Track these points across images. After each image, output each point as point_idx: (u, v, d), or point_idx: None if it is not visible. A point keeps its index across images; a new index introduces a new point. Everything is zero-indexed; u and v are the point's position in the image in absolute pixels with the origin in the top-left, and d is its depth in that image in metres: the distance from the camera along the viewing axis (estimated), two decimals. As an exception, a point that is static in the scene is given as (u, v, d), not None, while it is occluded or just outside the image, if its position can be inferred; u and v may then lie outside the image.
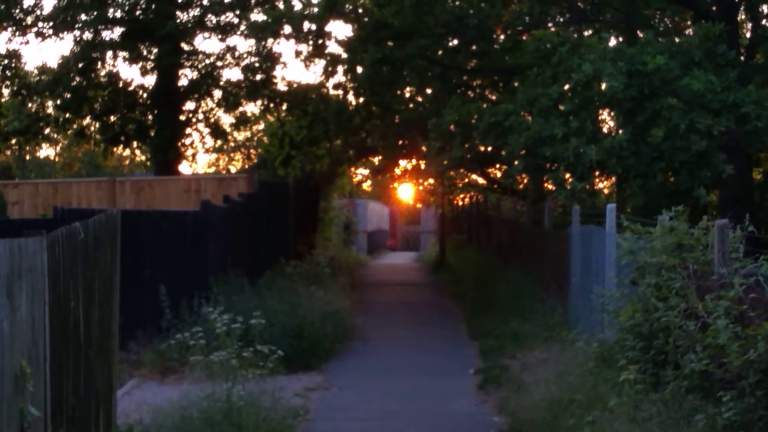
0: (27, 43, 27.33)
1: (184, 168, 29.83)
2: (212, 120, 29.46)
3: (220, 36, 27.84)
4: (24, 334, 6.37)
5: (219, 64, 28.21)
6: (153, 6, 26.61)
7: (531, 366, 12.98)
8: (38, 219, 17.24)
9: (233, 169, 47.06)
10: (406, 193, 49.95)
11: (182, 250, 15.64)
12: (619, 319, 9.91)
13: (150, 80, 28.20)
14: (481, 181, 32.71)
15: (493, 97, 25.10)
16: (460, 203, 42.82)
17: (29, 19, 26.80)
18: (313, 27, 24.42)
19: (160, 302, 14.47)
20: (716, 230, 8.99)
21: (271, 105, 29.29)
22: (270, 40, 27.18)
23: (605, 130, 18.69)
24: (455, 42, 23.67)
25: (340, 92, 27.82)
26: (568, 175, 16.54)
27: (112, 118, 28.24)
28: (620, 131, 16.75)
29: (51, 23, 26.45)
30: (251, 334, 11.95)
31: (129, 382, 13.20)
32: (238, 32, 27.71)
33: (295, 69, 68.86)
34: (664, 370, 8.88)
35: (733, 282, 7.91)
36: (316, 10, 23.52)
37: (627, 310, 9.74)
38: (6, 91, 28.60)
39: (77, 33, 26.59)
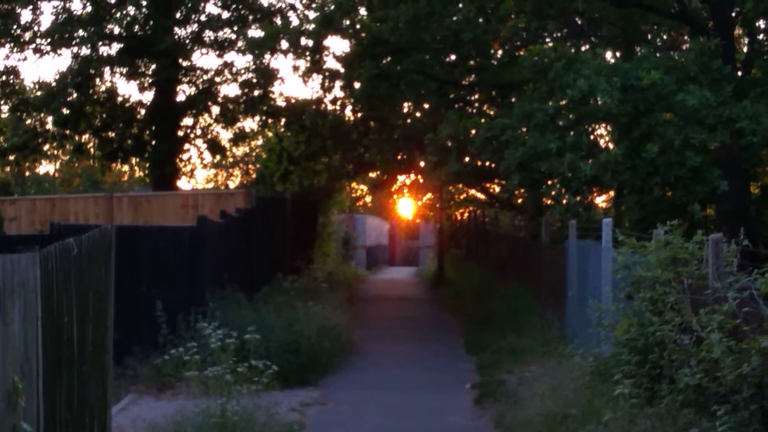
0: (25, 59, 27.42)
1: (183, 184, 29.88)
2: (210, 135, 29.50)
3: (217, 52, 27.91)
4: (16, 350, 6.36)
5: (217, 79, 28.26)
6: (151, 22, 26.67)
7: (527, 380, 12.97)
8: (35, 235, 17.24)
9: (232, 185, 47.05)
10: (405, 208, 49.95)
11: (179, 265, 15.63)
12: (615, 334, 9.92)
13: (148, 96, 28.26)
14: (479, 195, 32.74)
15: (491, 112, 25.15)
16: (459, 218, 42.83)
17: (27, 36, 26.85)
18: (310, 43, 24.52)
19: (157, 318, 14.46)
20: (711, 244, 9.01)
21: (269, 120, 29.34)
22: (267, 56, 27.26)
23: (602, 144, 18.71)
24: (452, 57, 23.73)
25: (338, 107, 27.90)
26: (564, 190, 16.54)
27: (111, 134, 28.26)
28: (615, 146, 16.76)
29: (49, 39, 26.50)
30: (247, 349, 11.95)
31: (125, 398, 13.19)
32: (236, 48, 27.78)
33: (292, 84, 68.81)
34: (659, 384, 8.87)
35: (727, 296, 7.92)
36: (312, 26, 23.60)
37: (622, 325, 9.74)
38: (5, 108, 28.65)
39: (75, 49, 26.64)
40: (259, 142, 36.48)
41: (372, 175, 33.41)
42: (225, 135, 30.31)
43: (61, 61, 73.23)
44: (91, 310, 8.31)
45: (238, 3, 27.62)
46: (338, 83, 26.20)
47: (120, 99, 27.91)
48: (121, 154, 28.47)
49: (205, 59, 63.88)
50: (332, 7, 22.85)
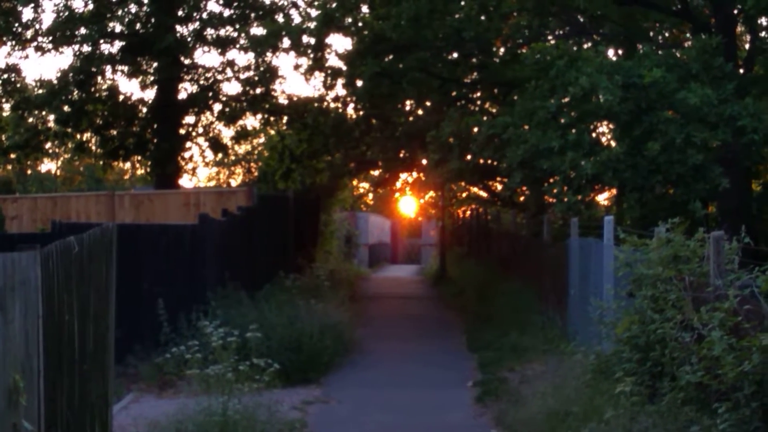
0: (26, 57, 27.47)
1: (185, 182, 29.88)
2: (212, 133, 29.49)
3: (219, 50, 27.89)
4: (17, 348, 6.37)
5: (219, 77, 28.26)
6: (152, 20, 26.67)
7: (529, 378, 12.98)
8: (36, 233, 17.25)
9: (234, 183, 47.06)
10: (407, 206, 49.95)
11: (180, 263, 15.64)
12: (616, 331, 9.91)
13: (150, 94, 28.26)
14: (481, 193, 32.73)
15: (493, 110, 25.14)
16: (461, 216, 42.83)
17: (29, 34, 26.85)
18: (312, 40, 24.50)
19: (158, 316, 14.46)
20: (712, 242, 9.01)
21: (271, 118, 29.32)
22: (269, 54, 27.26)
23: (603, 142, 18.70)
24: (454, 55, 23.73)
25: (340, 105, 27.88)
26: (565, 188, 16.53)
27: (112, 132, 28.26)
28: (617, 144, 16.76)
29: (50, 37, 26.50)
30: (249, 348, 11.96)
31: (126, 396, 13.19)
32: (238, 46, 27.77)
33: (294, 82, 68.76)
34: (661, 382, 8.88)
35: (728, 293, 7.91)
36: (314, 24, 23.58)
37: (623, 322, 9.74)
38: (6, 106, 28.65)
39: (76, 47, 26.64)
40: (261, 140, 36.46)
41: (374, 173, 33.38)
42: (227, 133, 30.34)
43: (63, 59, 73.40)
44: (93, 308, 8.32)
45: (239, 1, 27.60)
46: (340, 81, 26.16)
47: (122, 97, 27.90)
48: (123, 153, 28.46)
49: (206, 57, 63.93)
50: (334, 5, 22.85)
